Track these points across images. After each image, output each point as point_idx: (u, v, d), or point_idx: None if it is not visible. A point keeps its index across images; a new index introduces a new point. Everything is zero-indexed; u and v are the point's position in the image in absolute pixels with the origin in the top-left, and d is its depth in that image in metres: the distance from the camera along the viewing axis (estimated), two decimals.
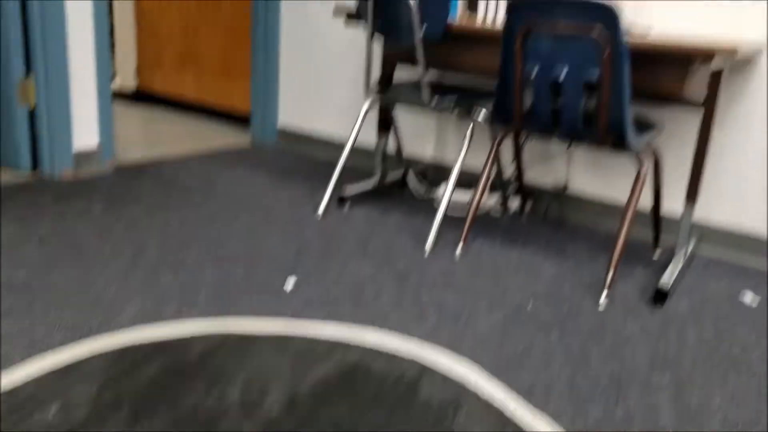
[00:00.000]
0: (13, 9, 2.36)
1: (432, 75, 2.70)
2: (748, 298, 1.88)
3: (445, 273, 1.90)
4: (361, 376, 1.31)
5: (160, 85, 4.10)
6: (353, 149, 3.16)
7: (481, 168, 2.71)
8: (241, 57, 3.66)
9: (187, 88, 3.97)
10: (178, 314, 1.53)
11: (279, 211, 2.33)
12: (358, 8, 2.28)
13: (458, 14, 2.43)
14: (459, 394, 1.27)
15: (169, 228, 2.09)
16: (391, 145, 2.99)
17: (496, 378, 1.36)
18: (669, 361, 1.49)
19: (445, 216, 2.44)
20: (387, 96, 2.35)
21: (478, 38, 2.20)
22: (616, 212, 2.47)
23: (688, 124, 2.29)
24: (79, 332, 1.42)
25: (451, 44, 2.26)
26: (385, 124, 2.66)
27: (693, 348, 1.56)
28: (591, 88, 1.83)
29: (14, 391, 1.19)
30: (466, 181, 2.80)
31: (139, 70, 4.20)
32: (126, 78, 4.19)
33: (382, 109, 2.64)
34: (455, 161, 2.44)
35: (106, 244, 1.93)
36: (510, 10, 1.85)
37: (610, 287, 1.81)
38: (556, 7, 1.77)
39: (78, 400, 1.17)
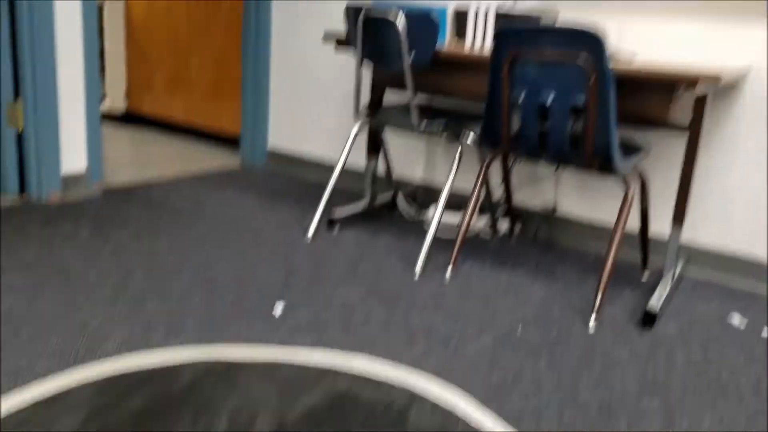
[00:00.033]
0: (2, 32, 2.36)
1: (421, 98, 2.72)
2: (736, 320, 1.89)
3: (434, 296, 1.89)
4: (350, 405, 1.30)
5: (150, 107, 4.11)
6: (343, 171, 3.16)
7: (471, 190, 2.73)
8: (231, 79, 3.67)
9: (177, 110, 3.97)
10: (165, 341, 1.51)
11: (268, 234, 2.33)
12: (348, 35, 2.30)
13: (446, 40, 2.46)
14: (448, 422, 1.27)
15: (157, 252, 2.08)
16: (380, 168, 3.00)
17: (486, 405, 1.35)
18: (658, 385, 1.49)
19: (435, 238, 2.44)
20: (376, 119, 2.36)
21: (466, 64, 2.23)
22: (605, 234, 2.49)
23: (674, 147, 2.31)
24: (65, 361, 1.40)
25: (439, 69, 2.28)
26: (375, 146, 2.67)
27: (682, 372, 1.56)
28: (578, 111, 1.85)
29: None
30: (456, 202, 2.81)
31: (129, 93, 4.20)
32: (115, 100, 4.19)
33: (372, 132, 2.65)
34: (445, 183, 2.46)
35: (92, 269, 1.91)
36: (497, 38, 1.88)
37: (599, 310, 1.81)
38: (542, 35, 1.79)
39: None
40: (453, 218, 2.62)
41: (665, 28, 2.27)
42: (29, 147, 2.48)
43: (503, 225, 2.61)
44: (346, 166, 3.16)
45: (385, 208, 2.79)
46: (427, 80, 2.32)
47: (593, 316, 1.80)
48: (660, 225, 2.38)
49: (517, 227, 2.64)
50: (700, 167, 2.28)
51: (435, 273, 2.08)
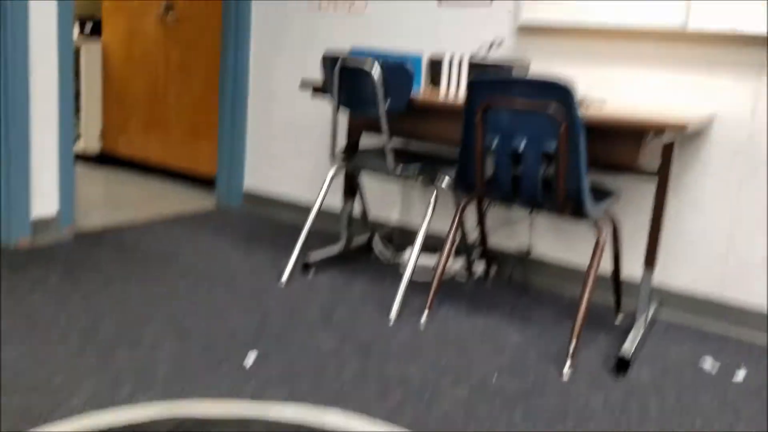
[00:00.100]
0: None
1: (397, 141, 2.75)
2: (708, 364, 1.91)
3: (410, 343, 1.88)
4: None
5: (126, 147, 4.08)
6: (319, 213, 3.16)
7: (446, 232, 2.74)
8: (208, 120, 3.67)
9: (153, 151, 3.95)
10: (134, 396, 1.47)
11: (242, 280, 2.30)
12: (324, 82, 2.33)
13: (422, 87, 2.50)
14: None
15: (127, 300, 2.04)
16: (357, 209, 3.00)
17: None
18: None
19: (411, 281, 2.44)
20: (352, 163, 2.38)
21: (441, 110, 2.26)
22: (580, 276, 2.51)
23: (645, 190, 2.36)
24: (27, 420, 1.35)
25: (415, 115, 2.31)
26: (351, 189, 2.68)
27: (656, 420, 1.56)
28: (550, 157, 1.88)
29: None
30: (432, 244, 2.82)
31: (105, 133, 4.18)
32: (90, 141, 4.16)
33: (348, 175, 2.67)
34: (421, 225, 2.47)
35: (61, 317, 1.87)
36: (471, 87, 1.92)
37: (573, 356, 1.81)
38: (514, 85, 1.83)
39: None
40: (429, 260, 2.63)
41: (634, 76, 2.33)
42: None
43: (479, 267, 2.62)
44: (322, 208, 3.16)
45: (362, 251, 2.79)
46: (402, 125, 2.35)
47: (568, 362, 1.80)
48: (632, 268, 2.41)
49: (493, 269, 2.65)
50: (669, 211, 2.32)
51: (410, 318, 2.07)
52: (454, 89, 2.43)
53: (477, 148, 1.95)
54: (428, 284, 2.41)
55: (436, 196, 2.25)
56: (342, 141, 3.03)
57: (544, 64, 2.49)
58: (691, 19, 2.14)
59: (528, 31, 2.51)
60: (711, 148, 2.22)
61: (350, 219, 2.69)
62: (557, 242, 2.55)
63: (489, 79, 1.88)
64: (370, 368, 1.71)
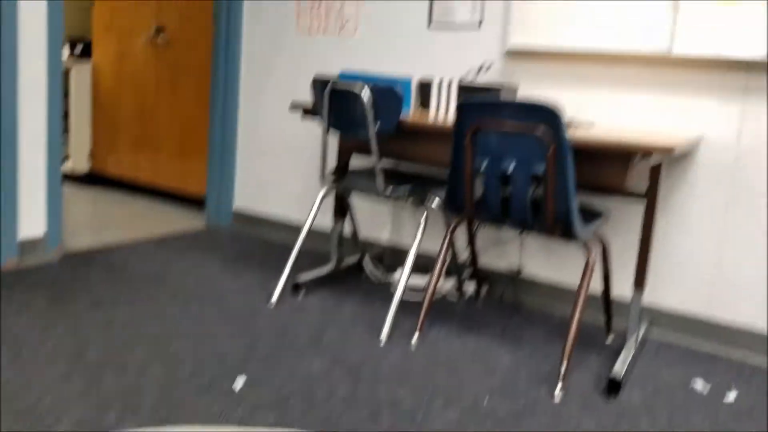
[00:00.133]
0: None
1: (388, 162, 2.76)
2: (699, 385, 1.91)
3: (400, 366, 1.87)
4: None
5: (115, 167, 4.07)
6: (309, 232, 3.16)
7: (437, 252, 2.74)
8: (198, 140, 3.67)
9: (142, 171, 3.94)
10: (121, 422, 1.45)
11: (231, 301, 2.29)
12: (314, 105, 2.34)
13: (411, 109, 2.51)
14: None
15: (115, 323, 2.02)
16: (347, 229, 3.00)
17: None
18: None
19: (402, 301, 2.43)
20: (343, 184, 2.38)
21: (431, 133, 2.28)
22: (570, 296, 2.51)
23: (633, 211, 2.38)
24: None
25: (404, 137, 2.32)
26: (341, 210, 2.68)
27: None
28: (539, 179, 1.89)
29: None
30: (422, 264, 2.82)
31: (93, 153, 4.17)
32: (79, 161, 4.14)
33: (338, 196, 2.67)
34: (411, 245, 2.47)
35: (47, 341, 1.84)
36: (460, 110, 1.93)
37: (564, 378, 1.81)
38: (502, 108, 1.85)
39: None
40: (420, 281, 2.62)
41: (621, 98, 2.36)
42: None
43: (470, 287, 2.62)
44: (312, 228, 3.15)
45: (352, 271, 2.78)
46: (392, 147, 2.36)
47: (559, 384, 1.79)
48: (622, 287, 2.42)
49: (484, 289, 2.65)
50: (658, 232, 2.34)
51: (401, 339, 2.07)
52: (443, 112, 2.45)
53: (466, 170, 1.96)
54: (419, 304, 2.41)
55: (427, 217, 2.25)
56: (332, 162, 3.04)
57: (532, 87, 2.52)
58: (675, 44, 2.17)
59: (516, 55, 2.54)
60: (698, 170, 2.25)
61: (341, 239, 2.69)
62: (547, 262, 2.56)
63: (478, 102, 1.90)
64: (360, 391, 1.69)
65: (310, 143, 3.14)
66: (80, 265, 2.57)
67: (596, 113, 2.41)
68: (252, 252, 2.95)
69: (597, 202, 2.43)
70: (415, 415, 1.59)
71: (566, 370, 1.81)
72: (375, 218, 2.98)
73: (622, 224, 2.40)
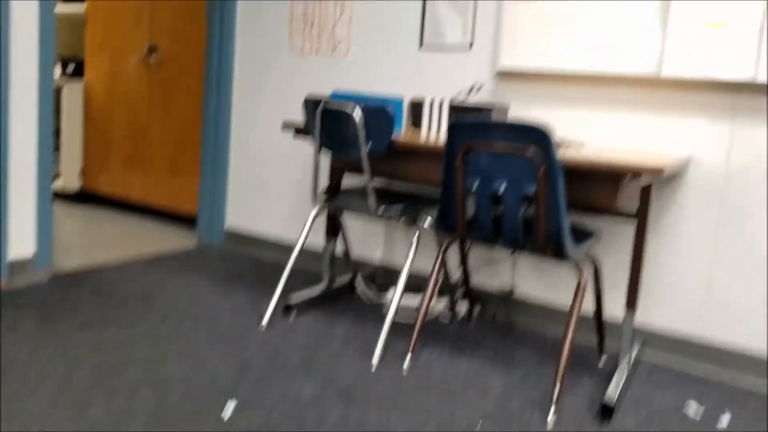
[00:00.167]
0: None
1: (380, 181, 2.76)
2: (692, 410, 1.90)
3: (392, 390, 1.85)
4: None
5: (106, 185, 4.06)
6: (301, 251, 3.15)
7: (429, 271, 2.74)
8: (189, 157, 3.67)
9: (134, 189, 3.93)
10: None
11: (222, 323, 2.27)
12: (306, 124, 2.34)
13: (403, 129, 2.52)
14: None
15: (104, 345, 2.00)
16: (339, 249, 2.99)
17: None
18: None
19: (394, 322, 2.42)
20: (335, 204, 2.38)
21: (422, 152, 2.28)
22: (563, 316, 2.50)
23: (624, 231, 2.38)
24: None
25: (396, 156, 2.32)
26: (334, 229, 2.67)
27: None
28: (530, 199, 1.89)
29: None
30: (415, 283, 2.81)
31: (85, 171, 4.15)
32: (70, 179, 4.13)
33: (330, 215, 2.66)
34: (404, 264, 2.46)
35: (35, 365, 1.82)
36: (451, 130, 1.94)
37: (557, 402, 1.80)
38: (493, 129, 1.86)
39: None
40: (412, 301, 2.61)
41: (611, 119, 2.38)
42: None
43: (462, 307, 2.61)
44: (304, 247, 3.14)
45: (344, 291, 2.77)
46: (384, 166, 2.36)
47: (552, 408, 1.78)
48: (614, 308, 2.41)
49: (476, 310, 2.64)
50: (649, 251, 2.34)
51: (393, 362, 2.05)
52: (435, 131, 2.45)
53: (458, 190, 1.96)
54: (411, 325, 2.39)
55: (419, 237, 2.25)
56: (324, 181, 3.04)
57: (523, 108, 2.53)
58: (664, 66, 2.19)
59: (507, 76, 2.56)
60: (688, 190, 2.26)
61: (333, 259, 2.68)
62: (540, 282, 2.55)
63: (469, 123, 1.90)
64: (351, 416, 1.68)
65: (303, 162, 3.14)
66: (70, 285, 2.55)
67: (587, 133, 2.43)
68: (243, 271, 2.94)
69: (588, 221, 2.44)
70: None
71: (559, 393, 1.80)
72: (367, 237, 2.98)
73: (613, 244, 2.40)
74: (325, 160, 3.00)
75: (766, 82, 2.05)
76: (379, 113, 2.14)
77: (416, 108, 2.52)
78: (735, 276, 2.19)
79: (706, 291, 2.25)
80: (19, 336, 2.02)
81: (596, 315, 2.22)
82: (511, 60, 2.48)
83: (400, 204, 2.28)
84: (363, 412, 1.71)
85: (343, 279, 2.80)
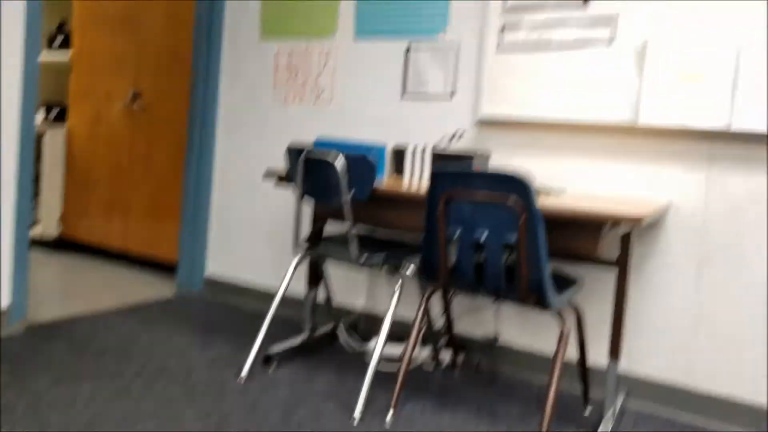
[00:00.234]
0: None
1: (363, 227, 2.75)
2: None
3: None
4: None
5: (85, 232, 4.01)
6: (282, 299, 3.10)
7: (412, 318, 2.71)
8: (170, 205, 3.64)
9: (113, 236, 3.88)
10: None
11: (199, 377, 2.21)
12: (288, 172, 2.34)
13: (386, 176, 2.53)
14: None
15: (77, 401, 1.93)
16: (321, 296, 2.96)
17: None
18: None
19: (377, 372, 2.37)
20: (317, 251, 2.36)
21: (404, 200, 2.28)
22: (547, 364, 2.48)
23: (607, 278, 2.38)
24: None
25: (378, 204, 2.32)
26: (315, 277, 2.64)
27: None
28: (512, 248, 1.89)
29: None
30: (398, 331, 2.78)
31: (64, 218, 4.10)
32: (48, 225, 4.07)
33: (312, 263, 2.64)
34: (386, 311, 2.43)
35: (4, 424, 1.75)
36: (432, 179, 1.94)
37: None
38: (474, 178, 1.87)
39: None
40: (395, 349, 2.57)
41: (590, 166, 2.40)
42: None
43: (446, 356, 2.57)
44: (285, 294, 3.10)
45: (326, 339, 2.72)
46: (367, 214, 2.35)
47: None
48: (598, 355, 2.39)
49: (460, 358, 2.60)
50: (632, 298, 2.34)
51: (375, 417, 2.00)
52: (417, 178, 2.46)
53: (440, 238, 1.96)
54: (395, 375, 2.35)
55: (401, 285, 2.23)
56: (306, 228, 3.03)
57: (504, 155, 2.56)
58: (641, 115, 2.23)
59: (487, 124, 2.59)
60: (668, 236, 2.27)
61: (314, 307, 2.64)
62: (524, 329, 2.53)
63: (450, 172, 1.91)
64: None
65: (285, 209, 3.13)
66: (44, 338, 2.48)
67: (567, 180, 2.45)
68: (223, 321, 2.88)
69: (570, 269, 2.43)
70: None
71: None
72: (350, 284, 2.95)
73: (596, 291, 2.40)
74: (308, 207, 3.00)
75: (740, 131, 2.09)
76: (361, 162, 2.14)
77: (399, 155, 2.53)
78: (718, 322, 2.19)
79: (689, 338, 2.24)
80: None
81: (580, 364, 2.19)
82: (492, 109, 2.52)
83: (383, 252, 2.27)
84: None
85: (325, 328, 2.75)
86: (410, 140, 2.79)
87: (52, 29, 4.44)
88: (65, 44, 4.24)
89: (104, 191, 3.93)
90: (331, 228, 2.93)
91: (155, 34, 3.69)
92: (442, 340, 2.63)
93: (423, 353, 2.57)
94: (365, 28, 2.88)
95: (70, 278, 3.46)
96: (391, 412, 2.02)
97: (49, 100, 4.46)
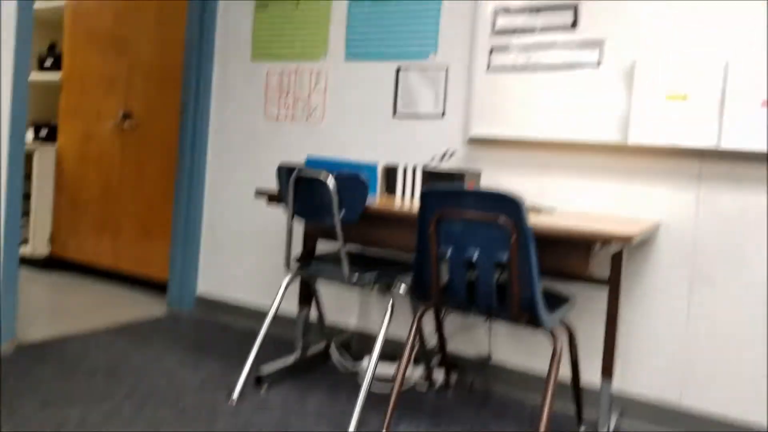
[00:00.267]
0: None
1: (355, 246, 2.75)
2: None
3: None
4: None
5: (75, 251, 3.98)
6: (274, 318, 3.09)
7: (405, 337, 2.70)
8: (161, 223, 3.63)
9: (104, 255, 3.86)
10: None
11: (190, 398, 2.19)
12: (279, 192, 2.34)
13: (377, 194, 2.53)
14: None
15: (66, 425, 1.90)
16: (313, 315, 2.94)
17: None
18: None
19: (369, 393, 2.35)
20: (308, 271, 2.35)
21: (396, 218, 2.28)
22: (541, 383, 2.47)
23: (600, 296, 2.39)
24: None
25: (370, 222, 2.32)
26: (307, 296, 2.63)
27: None
28: (503, 267, 1.89)
29: None
30: (391, 350, 2.76)
31: (54, 236, 4.08)
32: (38, 244, 4.04)
33: (304, 282, 2.63)
34: (379, 330, 2.42)
35: None
36: (423, 198, 1.95)
37: None
38: (465, 197, 1.87)
39: None
40: (388, 369, 2.56)
41: (581, 185, 2.42)
42: None
43: (439, 375, 2.56)
44: (277, 313, 3.09)
45: (318, 359, 2.71)
46: (358, 233, 2.35)
47: None
48: (592, 374, 2.39)
49: (453, 377, 2.59)
50: (624, 317, 2.34)
51: None
52: (408, 196, 2.47)
53: (432, 258, 1.96)
54: (387, 396, 2.33)
55: (393, 305, 2.22)
56: (298, 247, 3.02)
57: (495, 173, 2.57)
58: (630, 134, 2.26)
59: (478, 142, 2.61)
60: (659, 255, 2.28)
61: (306, 326, 2.63)
62: (517, 348, 2.53)
63: (441, 191, 1.92)
64: None
65: (276, 228, 3.13)
66: (33, 358, 2.45)
67: (557, 198, 2.46)
68: (214, 340, 2.86)
69: (563, 287, 2.44)
70: None
71: None
72: (342, 303, 2.94)
73: (588, 309, 2.40)
74: (299, 226, 2.99)
75: (729, 149, 2.12)
76: (353, 181, 2.15)
77: (390, 174, 2.54)
78: (711, 340, 2.20)
79: (683, 357, 2.24)
80: None
81: (573, 383, 2.19)
82: (482, 127, 2.54)
83: (374, 271, 2.26)
84: None
85: (317, 347, 2.74)
86: (401, 159, 2.80)
87: (43, 50, 4.45)
88: (56, 65, 4.25)
89: (94, 210, 3.91)
90: (323, 246, 2.93)
91: (146, 54, 3.70)
92: (435, 360, 2.62)
93: (416, 373, 2.55)
94: (355, 51, 2.90)
95: (60, 297, 3.43)
96: None
97: (39, 119, 4.46)
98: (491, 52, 2.52)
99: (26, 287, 3.57)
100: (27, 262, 4.10)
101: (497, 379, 2.55)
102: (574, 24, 2.36)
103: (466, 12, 2.63)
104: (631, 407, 2.31)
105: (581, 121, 2.35)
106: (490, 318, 2.00)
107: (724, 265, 2.18)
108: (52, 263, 4.08)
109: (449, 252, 1.95)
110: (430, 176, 2.43)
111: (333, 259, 2.45)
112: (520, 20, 2.46)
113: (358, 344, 2.88)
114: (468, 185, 2.36)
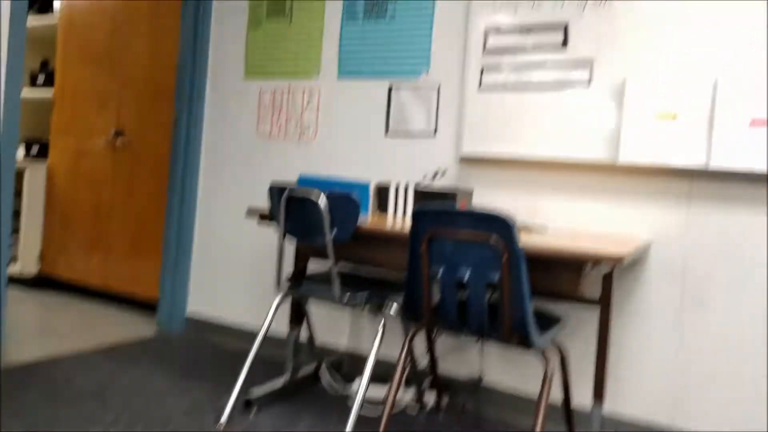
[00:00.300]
0: None
1: (346, 265, 2.73)
2: None
3: None
4: None
5: (65, 270, 3.94)
6: (265, 338, 3.05)
7: (396, 357, 2.67)
8: (151, 242, 3.60)
9: (93, 274, 3.82)
10: None
11: (178, 423, 2.15)
12: (271, 211, 2.33)
13: (369, 213, 2.52)
14: None
15: None
16: (304, 335, 2.91)
17: None
18: None
19: (360, 416, 2.32)
20: (299, 291, 2.33)
21: (388, 238, 2.27)
22: (532, 405, 2.44)
23: (591, 316, 2.37)
24: None
25: (362, 242, 2.31)
26: (298, 316, 2.61)
27: None
28: (495, 287, 1.88)
29: None
30: (382, 371, 2.73)
31: (44, 255, 4.04)
32: (27, 263, 4.00)
33: (295, 302, 2.61)
34: (370, 350, 2.40)
35: None
36: (415, 218, 1.94)
37: None
38: (456, 217, 1.86)
39: None
40: (379, 392, 2.53)
41: (572, 203, 2.42)
42: None
43: (430, 397, 2.53)
44: (268, 334, 3.05)
45: (308, 381, 2.67)
46: (350, 251, 2.34)
47: None
48: (583, 396, 2.37)
49: (444, 399, 2.56)
50: (616, 337, 2.33)
51: None
52: (400, 215, 2.46)
53: (423, 278, 1.94)
54: (378, 420, 2.30)
55: (384, 326, 2.20)
56: (289, 267, 3.00)
57: (486, 191, 2.57)
58: (620, 153, 2.26)
59: (469, 161, 2.60)
60: (650, 274, 2.28)
61: (297, 347, 2.60)
62: (508, 370, 2.51)
63: (432, 210, 1.91)
64: None
65: (267, 248, 3.11)
66: (20, 381, 2.41)
67: (549, 217, 2.46)
68: (204, 361, 2.82)
69: (555, 308, 2.42)
70: None
71: None
72: (333, 323, 2.91)
73: (580, 330, 2.38)
74: (290, 246, 2.97)
75: (718, 169, 2.12)
76: (345, 200, 2.14)
77: (382, 192, 2.53)
78: (702, 360, 2.18)
79: (674, 377, 2.22)
80: None
81: (565, 405, 2.16)
82: (474, 146, 2.54)
83: (366, 291, 2.25)
84: None
85: (307, 368, 2.71)
86: (394, 177, 2.79)
87: (35, 67, 4.44)
88: (48, 82, 4.24)
89: (85, 228, 3.88)
90: (315, 266, 2.91)
91: (138, 71, 3.70)
92: (426, 382, 2.59)
93: (407, 396, 2.52)
94: (348, 70, 2.91)
95: (48, 317, 3.39)
96: None
97: (31, 136, 4.44)
98: (483, 71, 2.53)
99: (14, 307, 3.53)
100: (15, 280, 4.05)
101: (489, 402, 2.53)
102: (565, 43, 2.38)
103: (458, 31, 2.64)
104: (622, 429, 2.29)
105: (572, 140, 2.35)
106: (481, 338, 1.99)
107: (714, 285, 2.17)
108: (41, 282, 4.04)
109: (441, 272, 1.93)
110: (422, 195, 2.42)
111: (324, 278, 2.43)
112: (511, 40, 2.48)
113: (349, 365, 2.85)
114: (460, 204, 2.35)
